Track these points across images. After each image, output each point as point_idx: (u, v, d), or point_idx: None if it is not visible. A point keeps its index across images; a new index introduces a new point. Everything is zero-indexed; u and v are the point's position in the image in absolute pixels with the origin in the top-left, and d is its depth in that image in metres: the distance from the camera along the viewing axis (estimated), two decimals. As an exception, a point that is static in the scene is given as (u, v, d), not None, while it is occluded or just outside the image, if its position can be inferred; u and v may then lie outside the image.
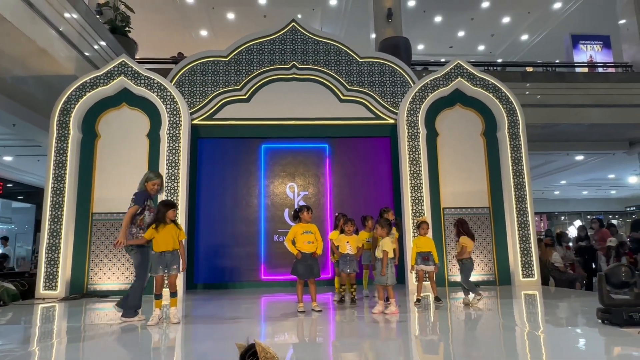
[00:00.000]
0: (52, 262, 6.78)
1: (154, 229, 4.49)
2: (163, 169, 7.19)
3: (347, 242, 5.42)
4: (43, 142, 9.87)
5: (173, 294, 4.52)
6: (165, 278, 4.54)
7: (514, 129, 7.68)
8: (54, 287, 6.72)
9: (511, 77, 10.94)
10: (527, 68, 14.20)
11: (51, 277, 6.75)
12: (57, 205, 6.94)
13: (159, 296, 4.47)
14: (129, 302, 4.64)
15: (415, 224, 6.38)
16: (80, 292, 6.88)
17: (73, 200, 7.08)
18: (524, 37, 17.61)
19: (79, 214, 7.12)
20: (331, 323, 4.42)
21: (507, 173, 7.56)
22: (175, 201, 7.08)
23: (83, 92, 7.28)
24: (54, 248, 6.82)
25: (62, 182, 7.01)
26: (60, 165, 7.06)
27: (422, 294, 5.49)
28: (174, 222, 4.59)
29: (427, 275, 5.41)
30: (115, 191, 7.22)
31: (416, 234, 5.81)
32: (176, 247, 4.52)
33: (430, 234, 5.60)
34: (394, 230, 5.65)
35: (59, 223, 6.90)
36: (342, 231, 5.56)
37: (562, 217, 26.38)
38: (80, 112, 7.31)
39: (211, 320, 4.60)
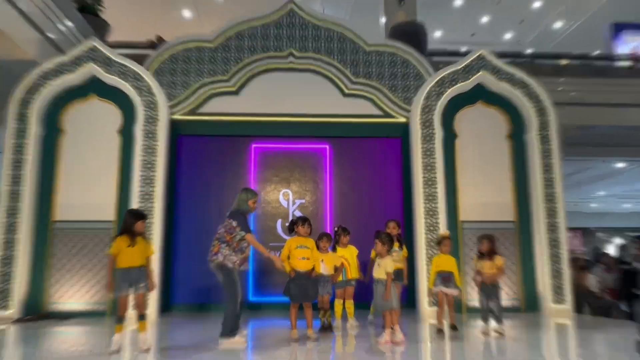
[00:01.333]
0: (6, 278, 6.77)
1: (125, 242, 4.49)
2: (137, 171, 7.20)
3: (322, 260, 5.41)
4: (-2, 137, 9.87)
5: (142, 317, 4.52)
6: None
7: (544, 131, 7.70)
8: (6, 307, 6.71)
9: (542, 71, 10.96)
10: (560, 61, 14.24)
11: (4, 294, 6.73)
12: (13, 212, 6.94)
13: (120, 319, 4.44)
14: (225, 327, 4.68)
15: (436, 240, 6.34)
16: (37, 312, 6.86)
17: (32, 206, 7.08)
18: (558, 24, 17.68)
19: (39, 221, 7.12)
20: (330, 354, 4.43)
21: (536, 182, 7.58)
22: (151, 209, 7.09)
23: (45, 81, 7.30)
24: (8, 261, 6.81)
25: (20, 184, 7.01)
26: (18, 165, 7.06)
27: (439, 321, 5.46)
28: (142, 235, 4.61)
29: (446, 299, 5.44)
30: (80, 196, 7.22)
31: (436, 252, 5.83)
32: (143, 263, 4.54)
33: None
34: (396, 246, 5.66)
35: (15, 232, 6.89)
36: (318, 247, 5.49)
37: (599, 234, 26.34)
38: (42, 104, 7.33)
39: (188, 349, 4.59)
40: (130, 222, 4.57)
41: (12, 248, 6.85)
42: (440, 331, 5.31)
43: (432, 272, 5.52)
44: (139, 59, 7.96)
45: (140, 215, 4.65)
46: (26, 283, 6.92)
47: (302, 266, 4.99)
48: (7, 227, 6.90)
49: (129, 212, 4.70)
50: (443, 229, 7.21)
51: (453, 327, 5.35)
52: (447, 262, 5.43)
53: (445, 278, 5.35)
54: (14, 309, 6.70)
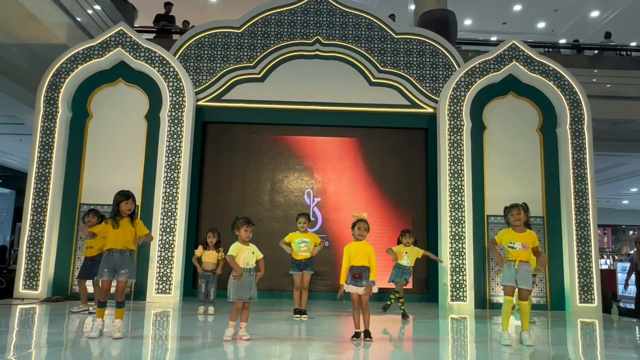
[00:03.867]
0: (34, 258, 6.96)
1: (110, 223, 4.37)
2: (162, 156, 7.28)
3: (406, 252, 5.62)
4: (27, 119, 10.11)
5: (119, 304, 4.34)
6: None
7: (577, 124, 7.51)
8: (34, 287, 6.90)
9: (576, 62, 10.72)
10: (596, 51, 13.87)
11: (32, 274, 6.92)
12: (41, 193, 7.11)
13: (102, 304, 4.33)
14: None
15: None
16: (64, 293, 7.04)
17: (59, 188, 7.24)
18: (594, 13, 17.17)
19: (66, 204, 7.28)
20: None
21: (566, 177, 7.42)
22: (175, 195, 7.17)
23: (75, 65, 7.41)
24: (36, 242, 7.00)
25: (48, 166, 7.17)
26: (46, 147, 7.22)
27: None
28: (131, 216, 4.44)
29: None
30: (106, 180, 7.33)
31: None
32: (129, 246, 4.38)
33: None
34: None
35: (43, 214, 7.07)
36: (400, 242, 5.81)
37: (631, 232, 25.78)
38: (71, 88, 7.45)
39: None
40: (117, 201, 4.41)
41: (39, 229, 7.03)
42: (356, 336, 4.44)
43: (344, 266, 4.50)
44: (166, 45, 8.03)
45: (124, 196, 4.43)
46: (53, 264, 7.10)
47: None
48: (35, 208, 7.07)
49: (117, 193, 4.49)
50: (468, 223, 7.10)
51: (367, 335, 4.44)
52: (360, 253, 4.43)
53: (356, 274, 4.39)
54: (41, 289, 6.89)
